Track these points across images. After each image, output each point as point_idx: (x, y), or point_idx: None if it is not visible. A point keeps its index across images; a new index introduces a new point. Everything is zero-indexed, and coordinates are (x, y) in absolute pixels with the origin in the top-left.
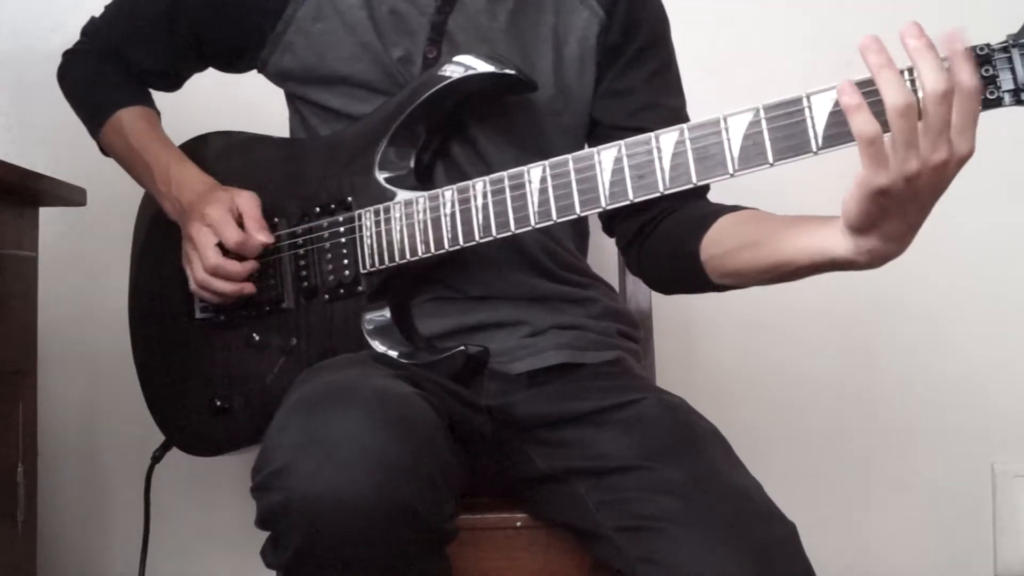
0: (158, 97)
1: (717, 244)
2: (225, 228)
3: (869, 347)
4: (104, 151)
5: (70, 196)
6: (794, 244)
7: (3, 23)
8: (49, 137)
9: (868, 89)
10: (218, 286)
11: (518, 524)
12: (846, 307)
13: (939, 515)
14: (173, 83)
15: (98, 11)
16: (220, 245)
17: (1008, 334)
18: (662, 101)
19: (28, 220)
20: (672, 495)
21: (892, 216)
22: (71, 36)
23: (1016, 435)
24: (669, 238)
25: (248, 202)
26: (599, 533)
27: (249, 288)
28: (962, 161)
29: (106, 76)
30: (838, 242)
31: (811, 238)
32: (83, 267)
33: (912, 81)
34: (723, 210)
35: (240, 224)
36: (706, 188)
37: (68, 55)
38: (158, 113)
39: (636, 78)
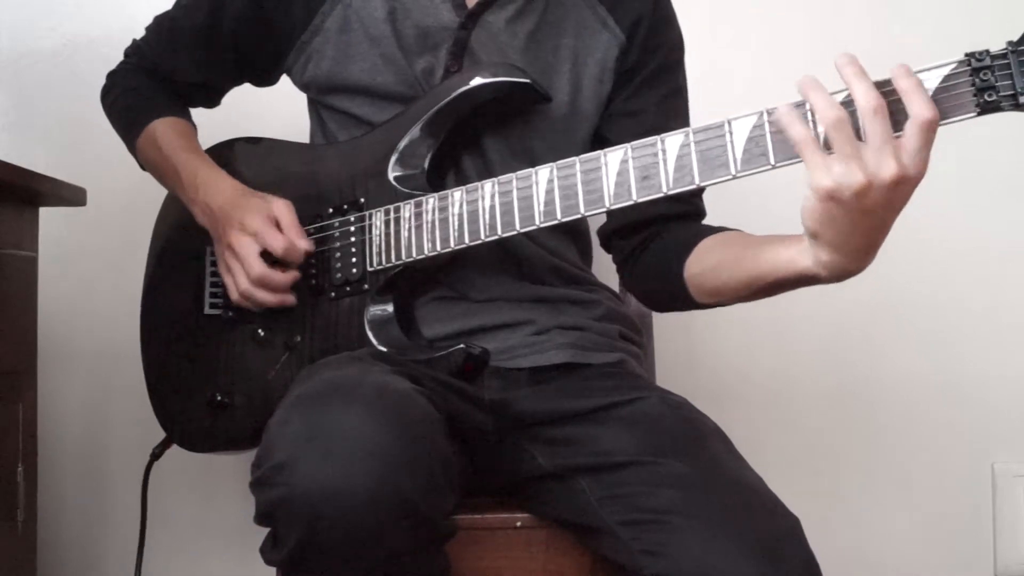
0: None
1: (698, 264)
2: (269, 236)
3: (869, 347)
4: (141, 165)
5: (70, 196)
6: (763, 260)
7: (3, 23)
8: (49, 137)
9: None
10: (262, 297)
11: (518, 524)
12: (845, 307)
13: (939, 515)
14: (212, 97)
15: (97, 12)
16: (262, 254)
17: (1008, 334)
18: (670, 124)
19: (28, 220)
20: (676, 488)
21: (848, 229)
22: (71, 36)
23: (1016, 435)
24: (657, 259)
25: (285, 210)
26: (602, 528)
27: (291, 299)
28: (916, 182)
29: (145, 91)
30: (801, 255)
31: (778, 253)
32: (83, 267)
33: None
34: (706, 232)
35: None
36: (702, 211)
37: (110, 75)
38: (194, 126)
39: (648, 100)
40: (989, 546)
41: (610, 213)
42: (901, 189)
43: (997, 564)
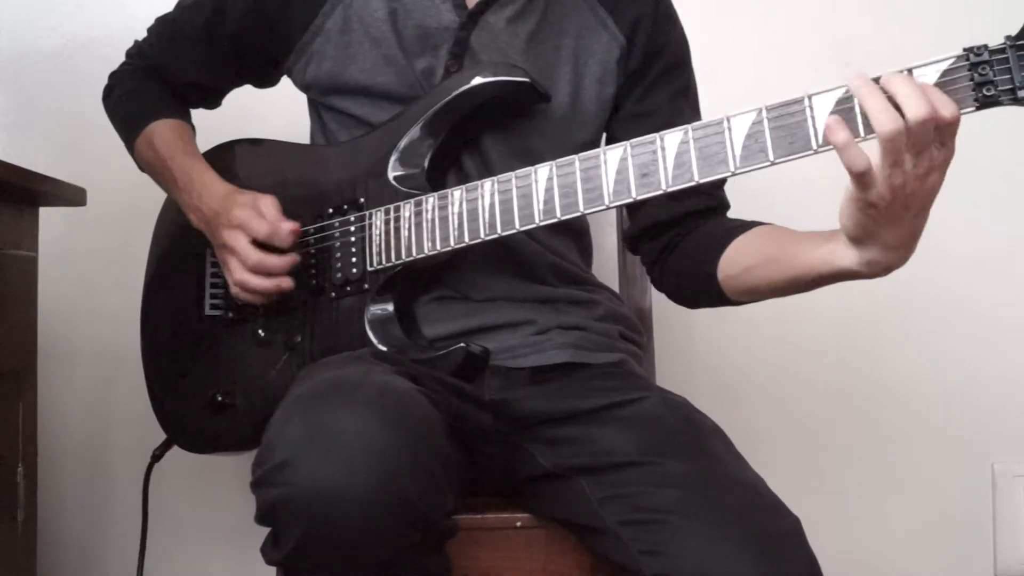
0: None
1: (733, 264)
2: (253, 223)
3: (869, 347)
4: (140, 166)
5: (70, 196)
6: (803, 260)
7: (3, 23)
8: (49, 137)
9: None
10: (256, 283)
11: (518, 524)
12: (846, 307)
13: (939, 515)
14: (213, 99)
15: (97, 12)
16: (255, 243)
17: (1008, 334)
18: (683, 123)
19: (28, 220)
20: (676, 488)
21: (887, 226)
22: (70, 36)
23: (1016, 435)
24: (688, 258)
25: (268, 201)
26: (602, 528)
27: (287, 283)
28: (946, 167)
29: (145, 92)
30: (843, 255)
31: (818, 253)
32: (83, 267)
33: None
34: (738, 229)
35: None
36: (726, 204)
37: (112, 76)
38: (193, 128)
39: (659, 99)
40: (989, 546)
41: (634, 215)
42: (932, 177)
43: (997, 564)
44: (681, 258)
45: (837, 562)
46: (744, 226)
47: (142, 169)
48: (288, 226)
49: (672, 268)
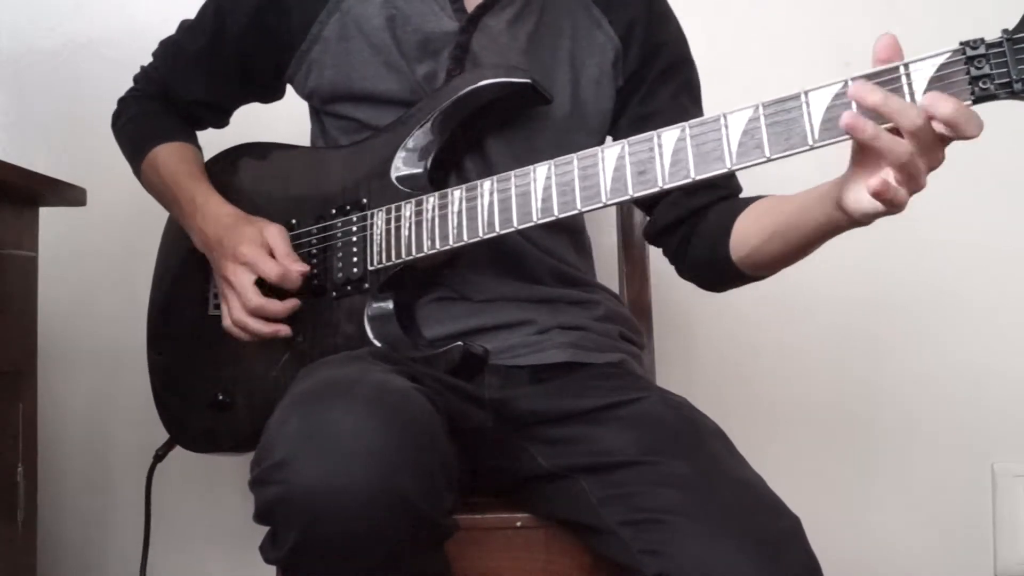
0: None
1: (742, 245)
2: (263, 264)
3: (869, 347)
4: (146, 189)
5: (70, 196)
6: (804, 230)
7: (3, 23)
8: (49, 137)
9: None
10: (255, 327)
11: (518, 524)
12: (846, 307)
13: (939, 515)
14: (220, 117)
15: (97, 12)
16: (258, 283)
17: (1008, 334)
18: (687, 118)
19: (28, 220)
20: (676, 488)
21: None
22: (71, 36)
23: (1016, 435)
24: (703, 247)
25: (277, 236)
26: (602, 528)
27: (285, 330)
28: None
29: (150, 116)
30: (840, 218)
31: (817, 222)
32: (83, 267)
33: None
34: (738, 209)
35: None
36: (738, 190)
37: (120, 101)
38: (199, 149)
39: (661, 98)
40: (989, 546)
41: (652, 213)
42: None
43: (997, 564)
44: (696, 247)
45: (837, 562)
46: (742, 205)
47: (148, 192)
48: (298, 268)
49: (691, 258)
